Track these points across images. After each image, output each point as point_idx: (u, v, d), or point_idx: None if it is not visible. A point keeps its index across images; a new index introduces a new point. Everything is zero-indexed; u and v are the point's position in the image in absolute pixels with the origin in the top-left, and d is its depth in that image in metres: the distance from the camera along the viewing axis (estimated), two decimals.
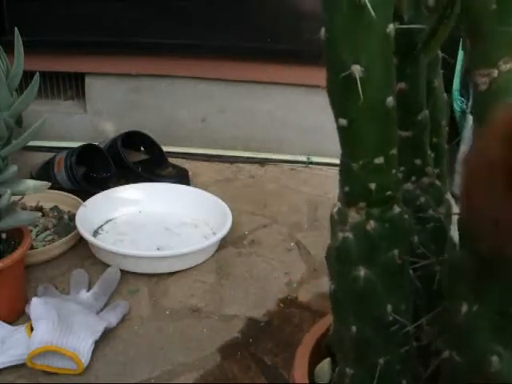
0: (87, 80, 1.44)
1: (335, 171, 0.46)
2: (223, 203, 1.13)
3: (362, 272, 0.45)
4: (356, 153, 0.43)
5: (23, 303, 0.88)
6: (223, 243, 1.09)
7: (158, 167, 1.32)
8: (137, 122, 1.42)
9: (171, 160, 1.36)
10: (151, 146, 1.35)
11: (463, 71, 1.34)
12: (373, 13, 0.37)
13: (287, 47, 1.36)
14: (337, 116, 0.43)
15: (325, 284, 0.99)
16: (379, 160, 0.43)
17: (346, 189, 0.45)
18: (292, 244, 1.11)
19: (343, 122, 0.42)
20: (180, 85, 1.44)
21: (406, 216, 0.46)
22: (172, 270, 1.00)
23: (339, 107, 0.43)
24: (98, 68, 1.42)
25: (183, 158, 1.43)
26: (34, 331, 0.77)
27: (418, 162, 0.49)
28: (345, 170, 0.45)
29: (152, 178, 1.25)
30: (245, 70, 1.40)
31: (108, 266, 0.98)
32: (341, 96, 0.42)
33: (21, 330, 0.80)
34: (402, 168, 0.48)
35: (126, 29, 1.36)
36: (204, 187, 1.25)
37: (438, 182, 0.50)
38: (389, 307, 0.46)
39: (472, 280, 0.37)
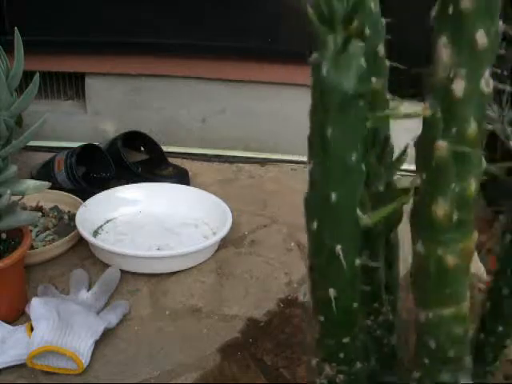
0: (87, 80, 1.44)
1: None
2: (223, 203, 1.13)
3: None
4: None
5: (23, 303, 0.88)
6: (223, 243, 1.08)
7: (157, 167, 1.32)
8: (137, 122, 1.42)
9: (171, 160, 1.36)
10: (151, 146, 1.35)
11: None
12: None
13: (287, 47, 1.36)
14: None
15: None
16: (346, 339, 0.47)
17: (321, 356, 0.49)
18: (292, 244, 1.11)
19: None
20: (180, 85, 1.44)
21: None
22: (172, 270, 1.00)
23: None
24: (98, 68, 1.42)
25: (183, 157, 1.43)
26: (34, 331, 0.77)
27: (376, 305, 0.54)
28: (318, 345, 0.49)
29: (152, 177, 1.25)
30: (245, 70, 1.40)
31: (108, 266, 0.98)
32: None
33: (21, 330, 0.80)
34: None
35: (126, 29, 1.35)
36: (204, 187, 1.25)
37: (391, 317, 0.54)
38: None
39: None
